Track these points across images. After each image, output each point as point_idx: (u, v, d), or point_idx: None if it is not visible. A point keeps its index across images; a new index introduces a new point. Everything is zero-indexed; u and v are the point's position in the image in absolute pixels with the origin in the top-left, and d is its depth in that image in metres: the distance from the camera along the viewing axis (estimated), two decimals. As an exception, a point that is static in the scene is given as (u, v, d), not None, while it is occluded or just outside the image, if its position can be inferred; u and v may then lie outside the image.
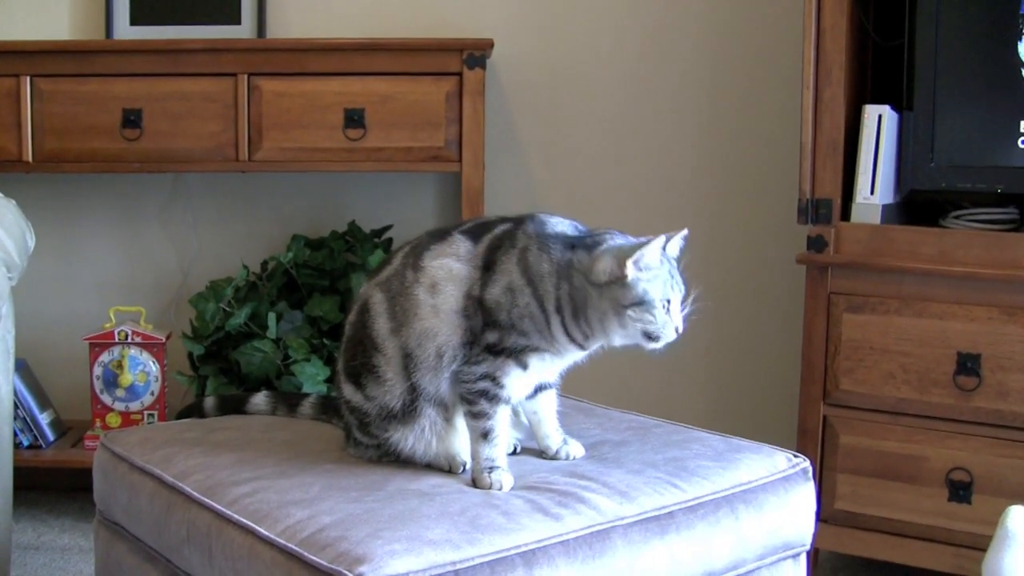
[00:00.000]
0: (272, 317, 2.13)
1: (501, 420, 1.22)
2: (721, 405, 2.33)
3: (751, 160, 2.33)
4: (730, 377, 2.33)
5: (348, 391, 1.26)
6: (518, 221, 1.22)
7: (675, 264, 1.20)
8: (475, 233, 1.23)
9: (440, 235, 1.24)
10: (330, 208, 2.32)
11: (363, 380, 1.24)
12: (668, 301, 1.17)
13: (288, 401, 1.46)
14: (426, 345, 1.20)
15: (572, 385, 1.35)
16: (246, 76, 2.04)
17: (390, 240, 2.25)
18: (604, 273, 1.16)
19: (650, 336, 1.16)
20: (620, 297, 1.15)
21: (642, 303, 1.15)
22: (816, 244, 1.80)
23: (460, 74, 2.03)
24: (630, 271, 1.16)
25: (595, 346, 1.22)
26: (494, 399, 1.21)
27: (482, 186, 2.03)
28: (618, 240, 1.20)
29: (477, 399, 1.21)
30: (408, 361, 1.21)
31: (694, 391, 2.34)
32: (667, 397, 2.34)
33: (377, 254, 2.15)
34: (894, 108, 1.78)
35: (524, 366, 1.21)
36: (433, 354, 1.20)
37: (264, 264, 2.31)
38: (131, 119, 2.03)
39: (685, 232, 1.21)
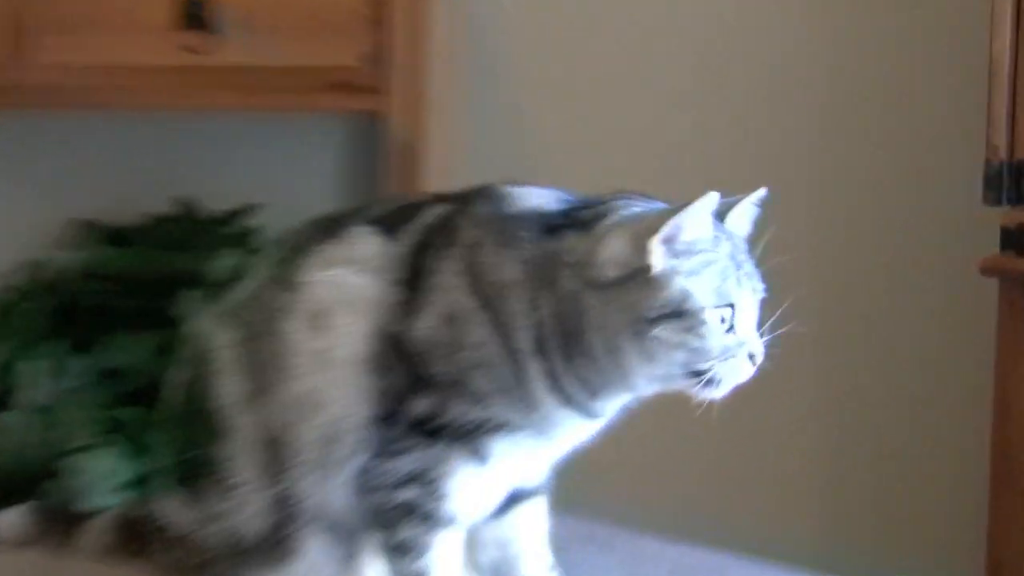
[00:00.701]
0: (37, 368, 2.13)
1: (443, 557, 1.24)
2: (841, 516, 2.35)
3: (879, 100, 2.32)
4: (856, 465, 2.35)
5: (171, 506, 1.32)
6: (462, 199, 1.25)
7: (744, 247, 1.24)
8: (391, 223, 1.25)
9: (331, 227, 1.26)
10: (147, 175, 2.34)
11: (198, 486, 1.29)
12: (731, 307, 1.20)
13: (63, 522, 1.48)
14: (307, 423, 1.22)
15: (566, 478, 1.36)
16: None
17: (253, 233, 2.26)
18: (613, 263, 1.19)
19: (700, 375, 1.19)
20: (640, 304, 1.18)
21: (680, 313, 1.18)
22: (1019, 241, 1.84)
23: (385, -65, 2.06)
24: (657, 255, 1.18)
25: (610, 407, 1.25)
26: (429, 520, 1.23)
27: (423, 137, 2.06)
28: (636, 208, 1.23)
29: (400, 520, 1.23)
30: (276, 452, 1.24)
31: (794, 488, 2.36)
32: (741, 503, 2.36)
33: (228, 258, 2.14)
34: None
35: (482, 456, 1.23)
36: (319, 439, 1.22)
37: (21, 273, 2.28)
38: None
39: (761, 193, 1.24)
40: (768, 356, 1.22)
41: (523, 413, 1.22)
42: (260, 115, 2.31)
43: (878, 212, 2.36)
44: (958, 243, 2.23)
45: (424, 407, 1.22)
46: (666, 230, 1.18)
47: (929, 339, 2.34)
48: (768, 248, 1.25)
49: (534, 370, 1.21)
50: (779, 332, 1.23)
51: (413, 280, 1.23)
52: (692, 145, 2.37)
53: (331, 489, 1.24)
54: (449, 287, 1.21)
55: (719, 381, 1.20)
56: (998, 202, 1.89)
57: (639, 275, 1.18)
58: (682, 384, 1.21)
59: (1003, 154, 1.87)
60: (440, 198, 1.28)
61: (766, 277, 1.23)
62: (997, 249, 1.91)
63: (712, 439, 2.34)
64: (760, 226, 1.26)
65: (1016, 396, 1.87)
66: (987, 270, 1.91)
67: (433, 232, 1.24)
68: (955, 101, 2.26)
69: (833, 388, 2.38)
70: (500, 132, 2.39)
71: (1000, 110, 1.87)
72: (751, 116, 2.36)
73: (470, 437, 1.22)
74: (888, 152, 2.35)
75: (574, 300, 1.20)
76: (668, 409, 1.27)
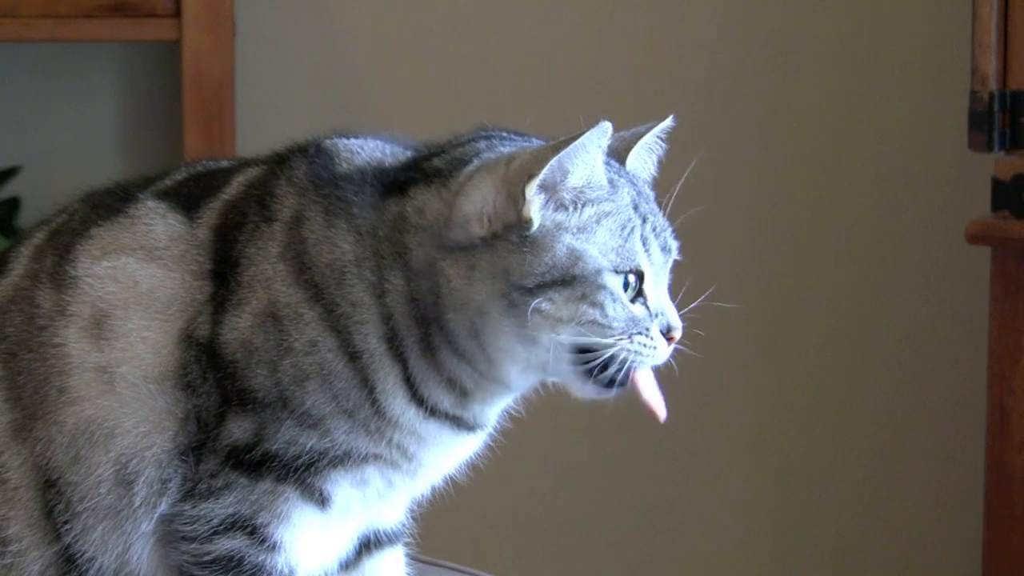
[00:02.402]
0: None
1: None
2: (804, 520, 2.35)
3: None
4: (820, 463, 2.34)
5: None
6: (278, 161, 1.18)
7: (650, 195, 1.19)
8: (189, 196, 1.18)
9: (113, 203, 1.19)
10: None
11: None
12: (638, 275, 1.14)
13: None
14: (92, 459, 1.14)
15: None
16: None
17: (13, 205, 2.17)
18: (477, 218, 1.13)
19: (596, 357, 1.13)
20: (516, 270, 1.12)
21: (570, 280, 1.12)
22: (1016, 197, 1.73)
23: None
24: (535, 206, 1.11)
25: (490, 413, 1.19)
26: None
27: (228, 73, 2.01)
28: (507, 148, 1.17)
29: (216, 581, 1.16)
30: (52, 498, 1.15)
31: (741, 499, 2.35)
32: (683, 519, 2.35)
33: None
34: None
35: (323, 497, 1.15)
36: (110, 479, 1.14)
37: None
38: None
39: (668, 124, 1.19)
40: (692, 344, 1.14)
41: (373, 437, 1.13)
42: (18, 48, 2.22)
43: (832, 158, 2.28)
44: (939, 202, 2.17)
45: (242, 433, 1.12)
46: (545, 172, 1.10)
47: (904, 325, 2.27)
48: (681, 197, 1.17)
49: (385, 377, 1.13)
50: (694, 305, 1.17)
51: (221, 270, 1.14)
52: (577, 68, 2.30)
53: (130, 544, 1.14)
54: (267, 276, 1.13)
55: (628, 364, 1.12)
56: (988, 147, 1.77)
57: (512, 233, 1.11)
58: (570, 372, 1.13)
59: (994, 83, 1.75)
60: (250, 162, 1.19)
61: (679, 234, 1.16)
62: (987, 209, 1.80)
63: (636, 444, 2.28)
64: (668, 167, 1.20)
65: (1017, 383, 1.78)
66: (977, 236, 1.79)
67: (242, 204, 1.16)
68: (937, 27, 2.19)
69: (783, 390, 2.33)
70: (327, 65, 2.30)
71: (988, 25, 1.74)
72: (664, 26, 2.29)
73: (304, 472, 1.13)
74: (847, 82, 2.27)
75: (430, 273, 1.12)
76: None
